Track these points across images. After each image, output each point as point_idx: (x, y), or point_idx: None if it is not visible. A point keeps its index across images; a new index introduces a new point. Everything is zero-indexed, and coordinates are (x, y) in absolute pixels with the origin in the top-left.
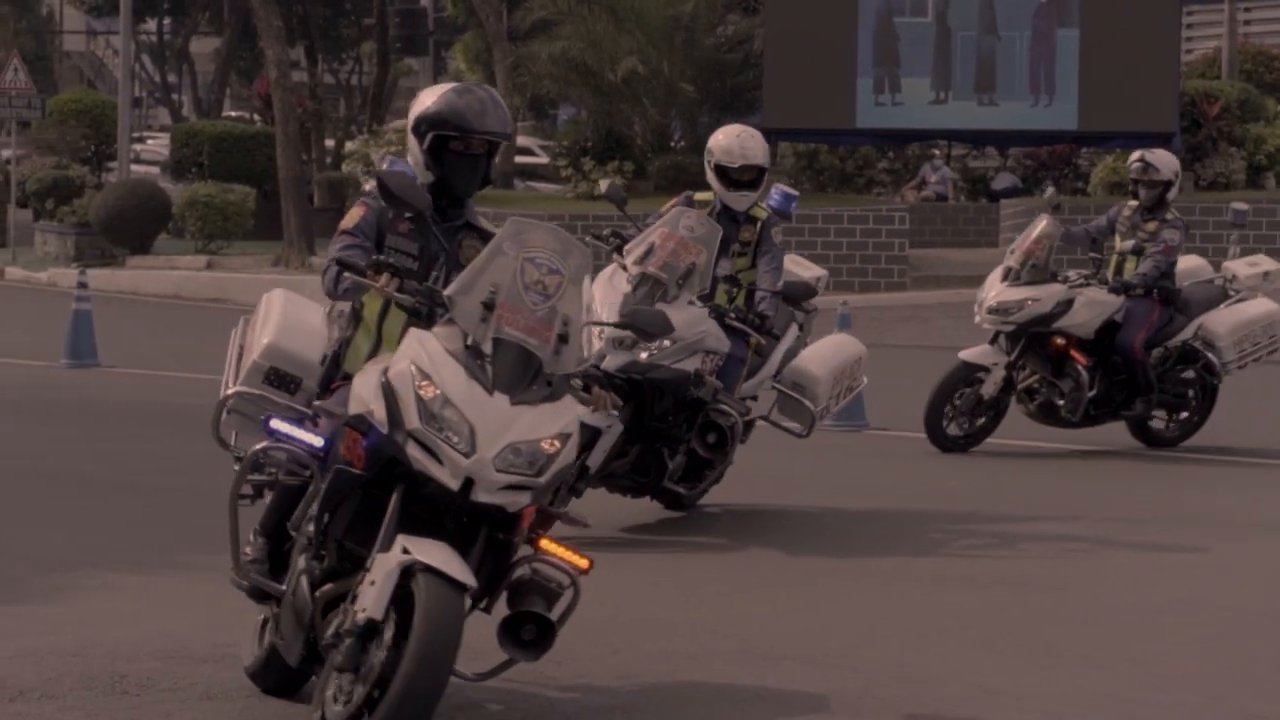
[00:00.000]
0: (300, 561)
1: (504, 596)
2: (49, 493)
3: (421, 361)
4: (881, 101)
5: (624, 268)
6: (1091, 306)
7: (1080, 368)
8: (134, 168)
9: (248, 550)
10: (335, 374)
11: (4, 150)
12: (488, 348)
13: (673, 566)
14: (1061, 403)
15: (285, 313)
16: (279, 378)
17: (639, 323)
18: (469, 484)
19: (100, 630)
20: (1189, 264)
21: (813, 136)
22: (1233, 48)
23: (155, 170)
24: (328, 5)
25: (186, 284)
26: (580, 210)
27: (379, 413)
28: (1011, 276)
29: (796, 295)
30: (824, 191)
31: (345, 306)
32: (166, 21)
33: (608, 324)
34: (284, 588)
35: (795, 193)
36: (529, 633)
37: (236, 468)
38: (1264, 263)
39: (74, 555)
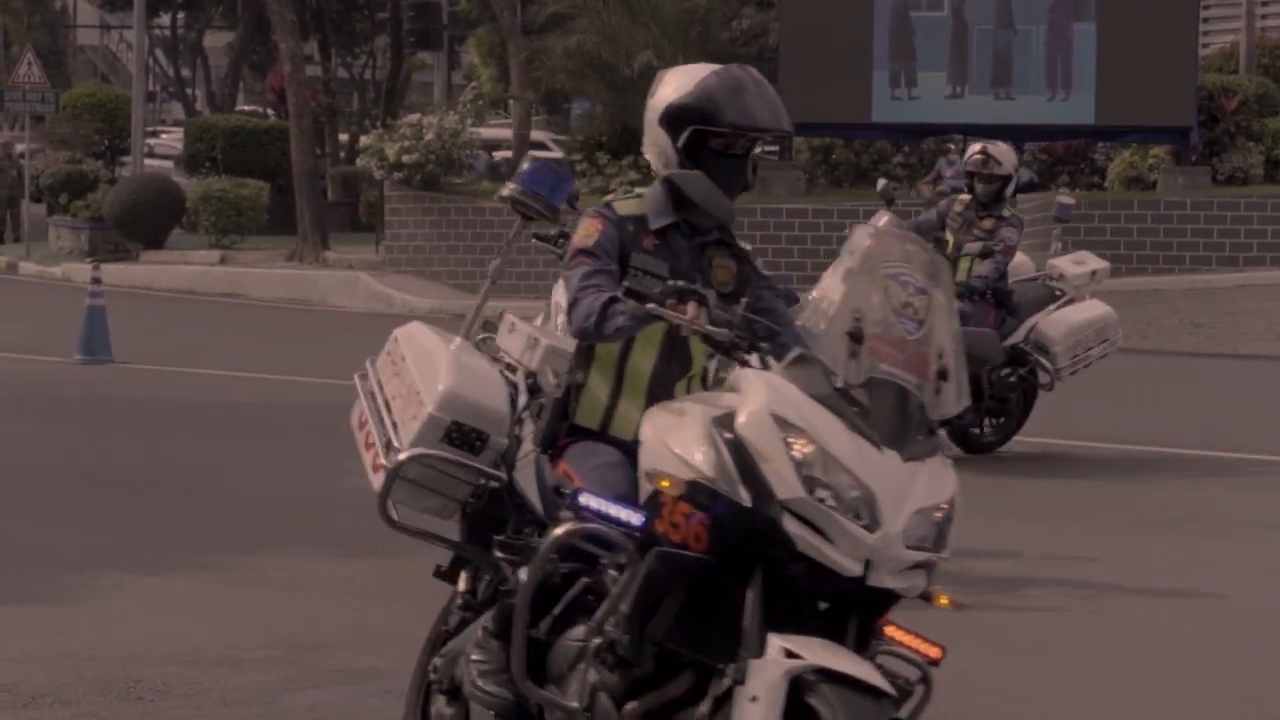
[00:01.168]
0: (592, 673)
1: None
2: (61, 491)
3: (783, 411)
4: (897, 96)
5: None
6: None
7: None
8: (147, 162)
9: (477, 656)
10: (559, 428)
11: (18, 145)
12: (861, 394)
13: None
14: None
15: (452, 352)
16: (461, 435)
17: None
18: (867, 566)
19: (113, 633)
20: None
21: (828, 131)
22: (1251, 41)
23: (169, 165)
24: None
25: (200, 279)
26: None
27: (724, 481)
28: None
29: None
30: (839, 186)
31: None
32: (180, 16)
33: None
34: (574, 704)
35: None
36: None
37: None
38: (1090, 260)
39: (86, 556)
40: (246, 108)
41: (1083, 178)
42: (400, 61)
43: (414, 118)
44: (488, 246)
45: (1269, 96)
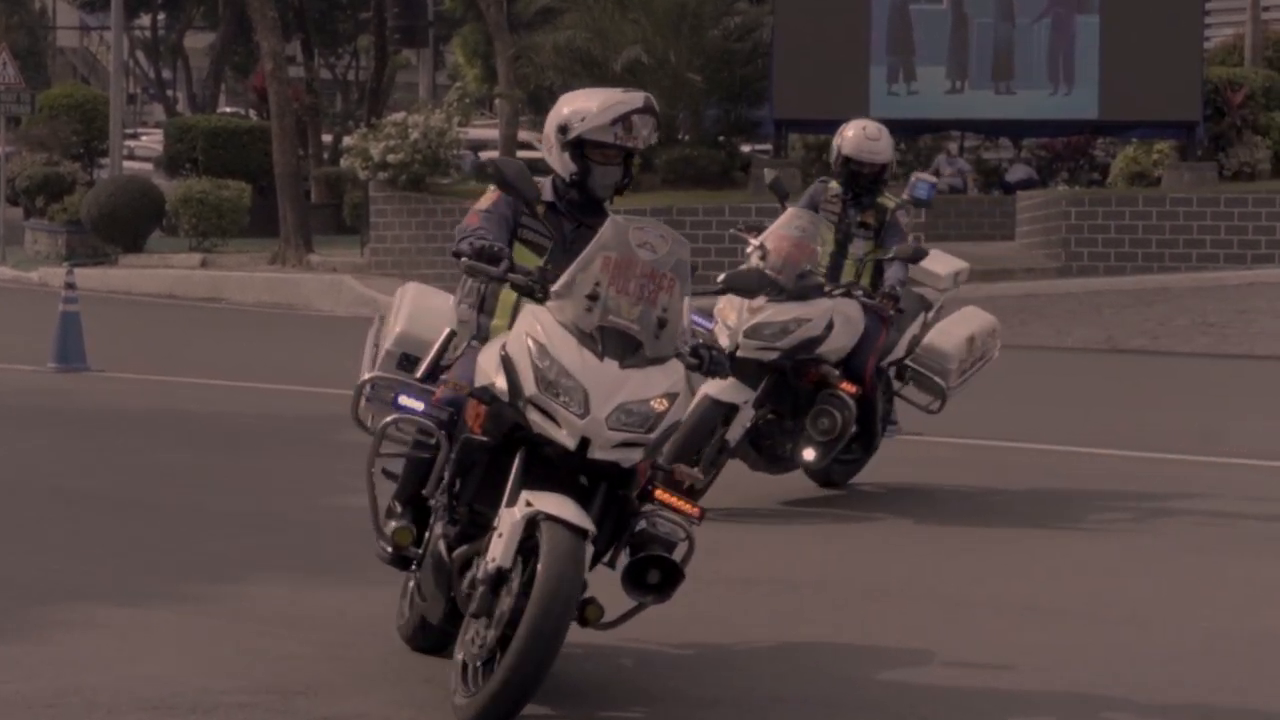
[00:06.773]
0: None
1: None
2: (28, 510)
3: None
4: (895, 91)
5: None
6: (848, 325)
7: (850, 401)
8: (127, 164)
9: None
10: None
11: None
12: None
13: (713, 594)
14: (815, 450)
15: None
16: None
17: (737, 285)
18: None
19: (80, 675)
20: None
21: (824, 128)
22: (1256, 33)
23: (149, 166)
24: None
25: (181, 283)
26: None
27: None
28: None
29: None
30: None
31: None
32: (161, 16)
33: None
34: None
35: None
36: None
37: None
38: (951, 261)
39: (54, 585)
40: (228, 109)
41: (1083, 174)
42: (384, 60)
43: (399, 116)
44: None
45: (1275, 89)
